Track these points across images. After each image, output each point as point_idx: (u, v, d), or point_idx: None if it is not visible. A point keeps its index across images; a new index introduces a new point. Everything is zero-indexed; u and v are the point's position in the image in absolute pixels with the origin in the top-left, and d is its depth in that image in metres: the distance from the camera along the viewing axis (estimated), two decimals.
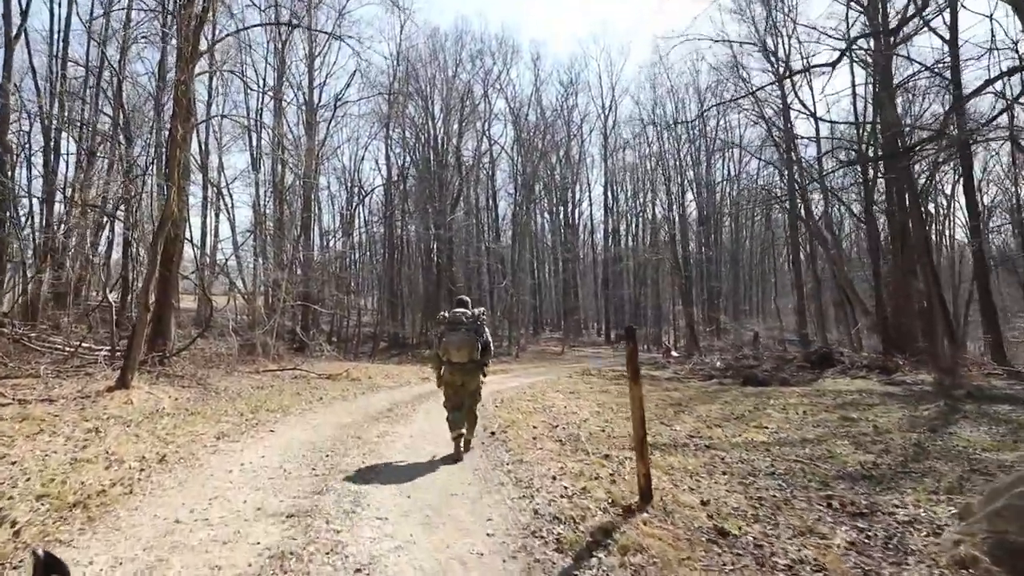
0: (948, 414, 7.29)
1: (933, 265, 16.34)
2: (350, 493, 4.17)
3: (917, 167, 19.39)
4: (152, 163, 11.12)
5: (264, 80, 21.67)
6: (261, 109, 24.55)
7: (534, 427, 6.64)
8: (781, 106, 23.63)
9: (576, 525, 3.51)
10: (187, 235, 15.65)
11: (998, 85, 13.12)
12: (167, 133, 8.65)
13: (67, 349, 10.88)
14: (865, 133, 21.88)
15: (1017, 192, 25.05)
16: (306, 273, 20.93)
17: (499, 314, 31.93)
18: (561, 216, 43.77)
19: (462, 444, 5.45)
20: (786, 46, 23.30)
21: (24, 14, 15.86)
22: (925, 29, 15.45)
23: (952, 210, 30.07)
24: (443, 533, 3.41)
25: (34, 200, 16.26)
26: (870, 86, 21.79)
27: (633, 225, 45.73)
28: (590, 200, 52.11)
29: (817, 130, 22.64)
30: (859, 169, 22.21)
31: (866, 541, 3.26)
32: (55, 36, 17.92)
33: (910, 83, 17.55)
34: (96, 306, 13.47)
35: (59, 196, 15.76)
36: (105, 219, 13.73)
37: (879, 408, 8.09)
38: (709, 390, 11.46)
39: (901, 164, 16.62)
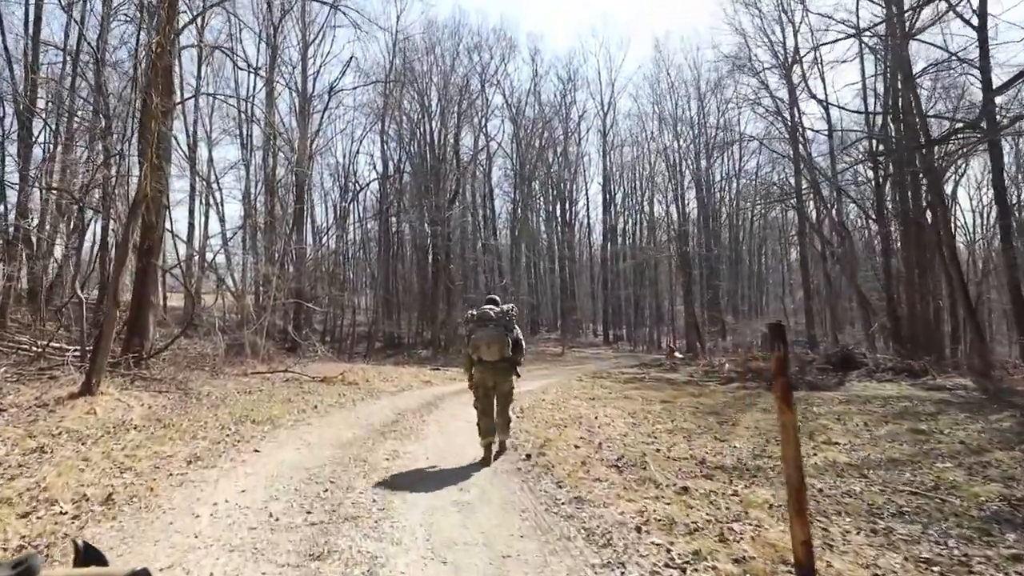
0: None
1: (959, 263, 15.52)
2: (362, 557, 3.06)
3: (904, 167, 18.66)
4: (127, 142, 10.08)
5: (256, 67, 20.56)
6: (252, 97, 23.44)
7: (575, 447, 5.59)
8: (790, 100, 22.86)
9: None
10: (169, 227, 14.59)
11: None
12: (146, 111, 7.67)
13: (33, 350, 9.83)
14: (876, 127, 21.14)
15: None
16: (299, 269, 19.89)
17: None
18: (558, 214, 42.92)
19: (494, 449, 5.20)
20: (795, 38, 22.40)
21: None
22: (947, 15, 14.72)
23: (952, 210, 29.41)
24: None
25: (9, 189, 15.17)
26: (882, 77, 21.14)
27: (632, 223, 44.98)
28: (587, 198, 51.28)
29: (829, 126, 21.76)
30: (870, 165, 21.51)
31: None
32: (28, 17, 16.82)
33: (931, 71, 16.65)
34: (67, 302, 12.38)
35: (34, 185, 14.68)
36: (76, 208, 12.62)
37: (944, 419, 7.22)
38: (738, 395, 10.58)
39: (926, 157, 15.85)
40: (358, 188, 31.30)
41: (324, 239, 29.63)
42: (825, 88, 41.09)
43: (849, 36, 19.01)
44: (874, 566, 2.99)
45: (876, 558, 3.08)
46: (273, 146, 19.65)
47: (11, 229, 13.33)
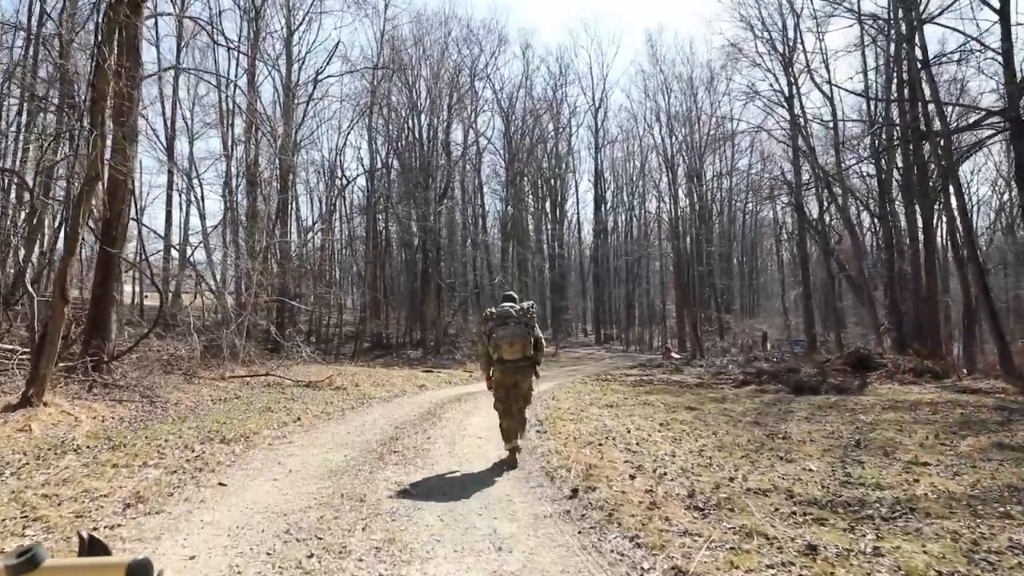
0: None
1: (978, 259, 14.81)
2: None
3: (914, 158, 18.03)
4: (79, 120, 8.86)
5: (238, 46, 19.26)
6: (234, 83, 22.13)
7: (629, 476, 4.44)
8: (790, 91, 22.15)
9: None
10: (141, 218, 13.38)
11: None
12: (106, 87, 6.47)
13: None
14: (881, 117, 20.48)
15: None
16: (283, 266, 18.71)
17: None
18: (549, 211, 42.04)
19: (516, 452, 5.08)
20: (796, 30, 21.64)
21: None
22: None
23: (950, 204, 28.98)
24: None
25: None
26: (884, 69, 20.49)
27: (623, 220, 44.29)
28: (577, 196, 50.42)
29: (834, 116, 21.03)
30: (873, 161, 20.87)
31: None
32: None
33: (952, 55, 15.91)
34: (19, 298, 11.14)
35: None
36: (27, 194, 11.35)
37: (1021, 430, 6.37)
38: (765, 400, 9.71)
39: (945, 146, 15.14)
40: (345, 183, 30.06)
41: (310, 234, 28.42)
42: (831, 77, 40.54)
43: (854, 23, 18.35)
44: None
45: None
46: (256, 132, 18.44)
47: None
